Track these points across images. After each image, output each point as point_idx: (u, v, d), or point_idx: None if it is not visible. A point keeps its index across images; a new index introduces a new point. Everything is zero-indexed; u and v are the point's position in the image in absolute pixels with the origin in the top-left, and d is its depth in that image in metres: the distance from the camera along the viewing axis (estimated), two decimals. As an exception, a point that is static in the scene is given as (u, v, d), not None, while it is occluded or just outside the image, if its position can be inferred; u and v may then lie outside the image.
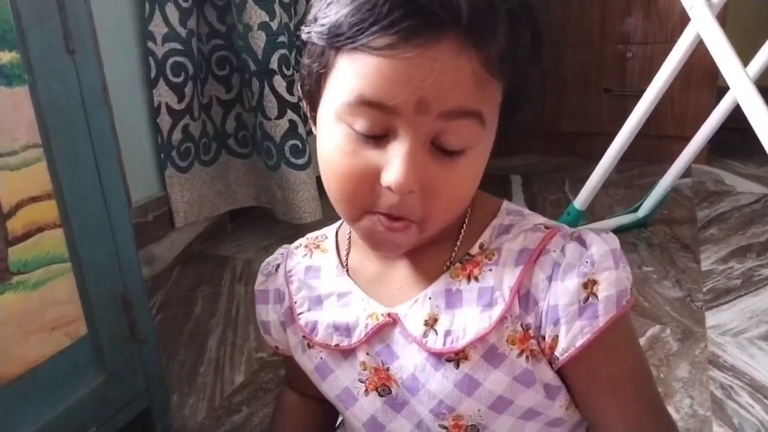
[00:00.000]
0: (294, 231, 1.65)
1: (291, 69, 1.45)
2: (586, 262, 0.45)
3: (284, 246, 0.62)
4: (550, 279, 0.46)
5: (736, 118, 1.24)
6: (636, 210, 1.56)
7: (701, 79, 1.92)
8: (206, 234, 1.63)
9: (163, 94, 1.42)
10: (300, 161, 1.49)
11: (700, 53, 1.24)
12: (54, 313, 0.70)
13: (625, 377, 0.49)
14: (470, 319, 0.47)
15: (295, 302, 0.56)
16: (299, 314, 0.55)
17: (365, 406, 0.52)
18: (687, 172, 1.73)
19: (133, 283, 0.81)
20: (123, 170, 1.32)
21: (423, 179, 0.42)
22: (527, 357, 0.47)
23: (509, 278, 0.47)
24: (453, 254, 0.49)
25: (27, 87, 0.65)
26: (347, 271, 0.55)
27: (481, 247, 0.49)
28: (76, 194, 0.72)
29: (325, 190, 0.47)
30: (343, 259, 0.56)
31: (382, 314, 0.50)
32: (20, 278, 0.66)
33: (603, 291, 0.45)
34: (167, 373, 1.03)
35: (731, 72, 1.08)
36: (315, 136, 0.48)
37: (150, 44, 1.38)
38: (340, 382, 0.53)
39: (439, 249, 0.50)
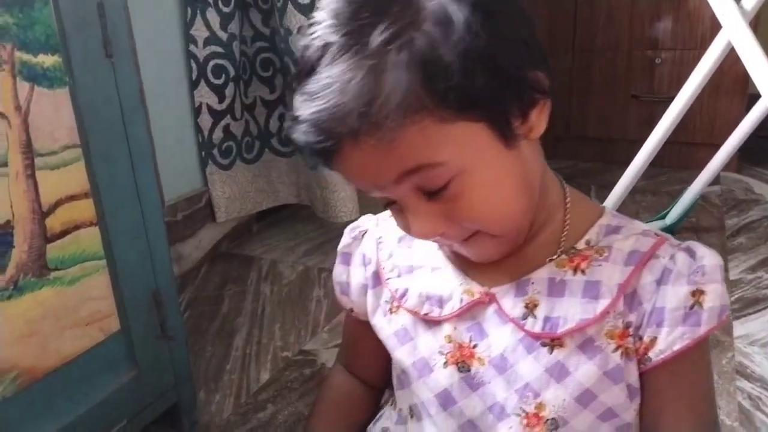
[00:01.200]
0: (321, 232, 1.67)
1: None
2: (697, 272, 0.48)
3: (369, 215, 0.64)
4: (658, 282, 0.48)
5: (767, 126, 1.22)
6: (663, 217, 1.54)
7: (732, 86, 1.89)
8: (233, 233, 1.65)
9: (204, 94, 1.46)
10: (338, 162, 1.52)
11: (730, 59, 1.23)
12: (89, 308, 0.72)
13: (703, 394, 0.51)
14: (572, 309, 0.48)
15: (383, 268, 0.58)
16: (387, 279, 0.57)
17: (441, 379, 0.53)
18: (716, 180, 1.71)
19: (165, 282, 0.83)
20: (157, 171, 1.35)
21: (444, 218, 0.46)
22: (622, 353, 0.48)
23: (618, 276, 0.48)
24: (558, 246, 0.51)
25: (67, 89, 0.67)
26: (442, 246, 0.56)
27: (587, 243, 0.51)
28: (112, 194, 0.74)
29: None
30: None
31: (478, 292, 0.52)
32: (57, 274, 0.68)
33: (709, 302, 0.47)
34: (194, 369, 1.05)
35: (763, 79, 1.07)
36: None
37: (191, 47, 1.42)
38: (418, 351, 0.54)
39: (540, 241, 0.52)
